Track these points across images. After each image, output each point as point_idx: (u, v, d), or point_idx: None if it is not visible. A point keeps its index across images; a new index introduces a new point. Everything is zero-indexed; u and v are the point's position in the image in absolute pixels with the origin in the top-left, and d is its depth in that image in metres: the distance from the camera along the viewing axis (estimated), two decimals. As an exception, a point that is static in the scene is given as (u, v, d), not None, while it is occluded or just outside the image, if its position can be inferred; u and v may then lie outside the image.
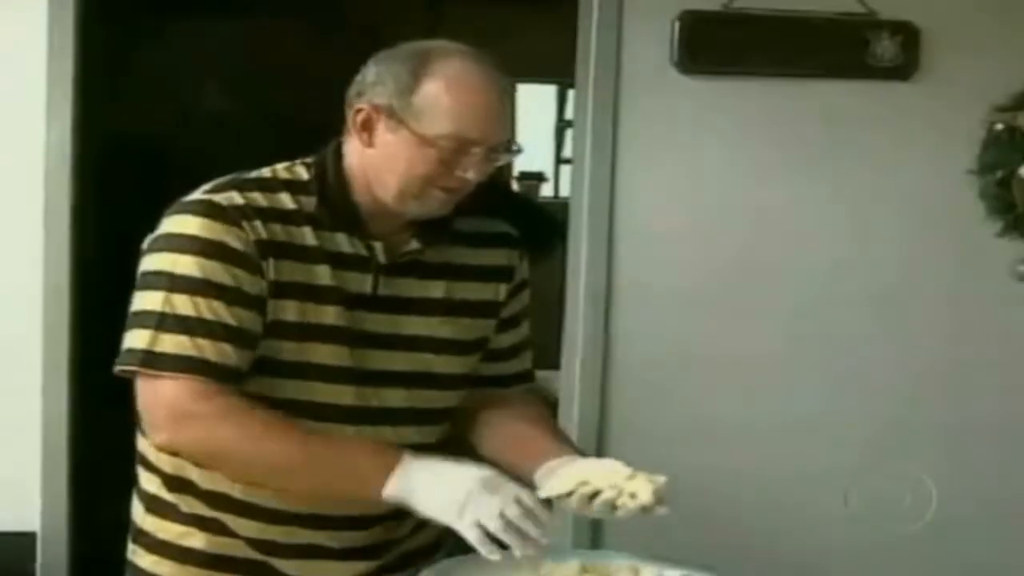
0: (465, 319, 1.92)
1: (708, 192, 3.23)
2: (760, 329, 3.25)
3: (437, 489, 1.69)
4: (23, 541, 2.93)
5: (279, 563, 1.88)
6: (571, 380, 3.16)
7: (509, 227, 2.01)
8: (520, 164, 7.08)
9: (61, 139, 2.93)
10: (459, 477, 1.70)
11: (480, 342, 1.95)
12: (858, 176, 3.26)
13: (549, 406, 2.11)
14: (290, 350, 1.80)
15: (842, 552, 3.28)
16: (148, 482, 1.94)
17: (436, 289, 1.90)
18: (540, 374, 2.11)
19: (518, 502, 1.66)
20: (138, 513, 1.96)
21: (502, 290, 1.97)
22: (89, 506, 3.06)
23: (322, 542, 1.88)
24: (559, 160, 7.66)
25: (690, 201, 3.23)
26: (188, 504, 1.89)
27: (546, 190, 7.43)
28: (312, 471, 1.76)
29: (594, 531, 3.11)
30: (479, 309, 1.94)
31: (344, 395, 1.83)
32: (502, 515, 1.65)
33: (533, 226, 3.29)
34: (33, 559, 2.96)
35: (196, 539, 1.89)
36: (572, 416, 3.17)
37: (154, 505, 1.93)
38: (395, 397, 1.87)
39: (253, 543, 1.88)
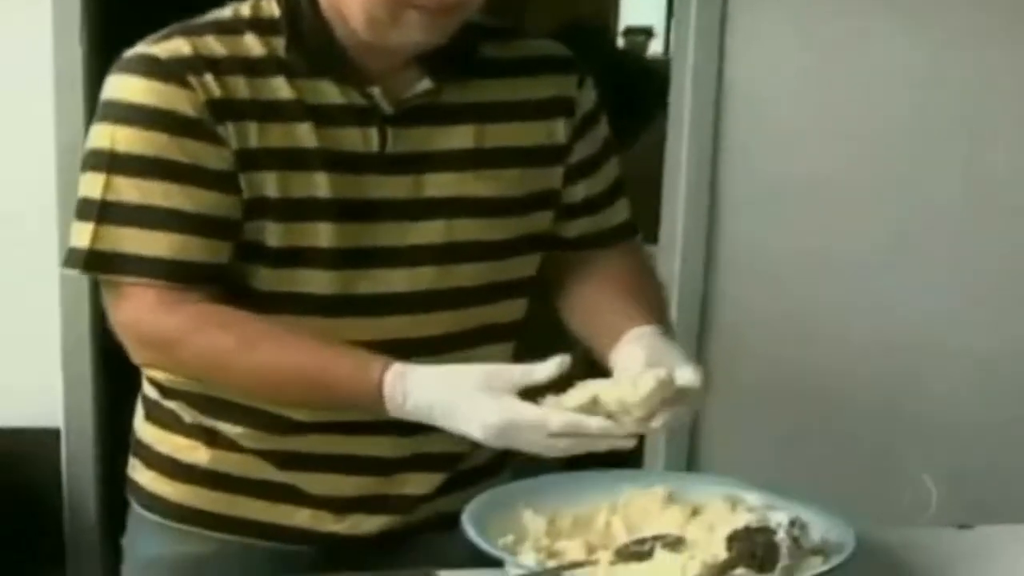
0: (509, 170, 1.55)
1: (824, 52, 2.86)
2: (880, 212, 2.90)
3: (456, 424, 1.37)
4: (46, 438, 2.74)
5: (307, 481, 1.56)
6: (671, 256, 2.85)
7: (559, 47, 1.62)
8: (627, 17, 6.62)
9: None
10: (466, 385, 1.37)
11: (540, 197, 1.58)
12: (992, 45, 2.85)
13: (646, 263, 1.73)
14: (276, 233, 1.46)
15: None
16: (147, 385, 1.64)
17: (462, 137, 1.52)
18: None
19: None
20: (138, 420, 1.67)
21: (560, 128, 1.58)
22: (116, 398, 2.79)
23: (360, 451, 1.55)
24: (671, 13, 7.14)
25: (805, 62, 2.86)
26: (189, 413, 1.58)
27: (655, 46, 6.96)
28: (306, 388, 1.46)
29: (692, 446, 2.83)
30: (529, 156, 1.56)
31: (352, 282, 1.49)
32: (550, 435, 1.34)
33: (638, 88, 2.97)
34: (58, 456, 2.77)
35: (201, 454, 1.59)
36: (672, 297, 2.86)
37: (154, 412, 1.63)
38: (422, 278, 1.51)
39: (270, 457, 1.56)
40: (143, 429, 1.65)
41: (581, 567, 1.33)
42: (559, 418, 1.33)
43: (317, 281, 1.49)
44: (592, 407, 1.33)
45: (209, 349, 1.45)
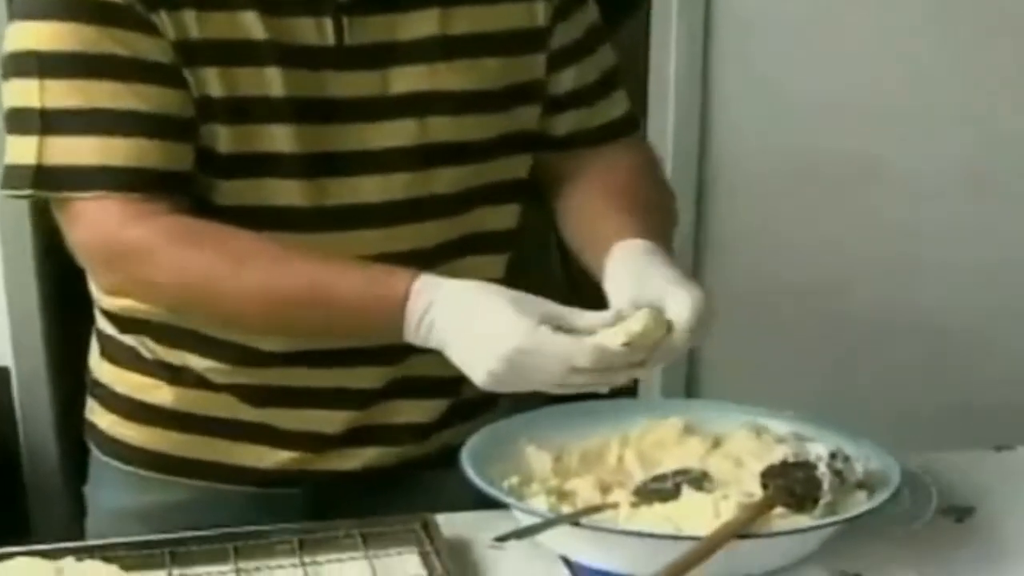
0: (485, 60, 1.40)
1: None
2: (882, 105, 2.70)
3: (471, 343, 1.22)
4: (-5, 377, 2.58)
5: (283, 418, 1.43)
6: (663, 156, 2.59)
7: None
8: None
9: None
10: (494, 321, 1.21)
11: (522, 89, 1.43)
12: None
13: (651, 162, 1.57)
14: (227, 138, 1.32)
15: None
16: (101, 318, 1.51)
17: (427, 23, 1.37)
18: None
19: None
20: (93, 358, 1.54)
21: (540, 10, 1.42)
22: (71, 333, 2.66)
23: (340, 383, 1.43)
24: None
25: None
26: (149, 348, 1.44)
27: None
28: (309, 308, 1.30)
29: (689, 373, 2.69)
30: (505, 42, 1.41)
31: (319, 192, 1.36)
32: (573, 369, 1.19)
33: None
34: (10, 397, 2.60)
35: (164, 393, 1.45)
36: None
37: (110, 348, 1.50)
38: (396, 185, 1.38)
39: (241, 394, 1.43)
40: (99, 367, 1.52)
41: (600, 511, 1.21)
42: (589, 346, 1.19)
43: (281, 192, 1.35)
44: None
45: (188, 267, 1.30)
